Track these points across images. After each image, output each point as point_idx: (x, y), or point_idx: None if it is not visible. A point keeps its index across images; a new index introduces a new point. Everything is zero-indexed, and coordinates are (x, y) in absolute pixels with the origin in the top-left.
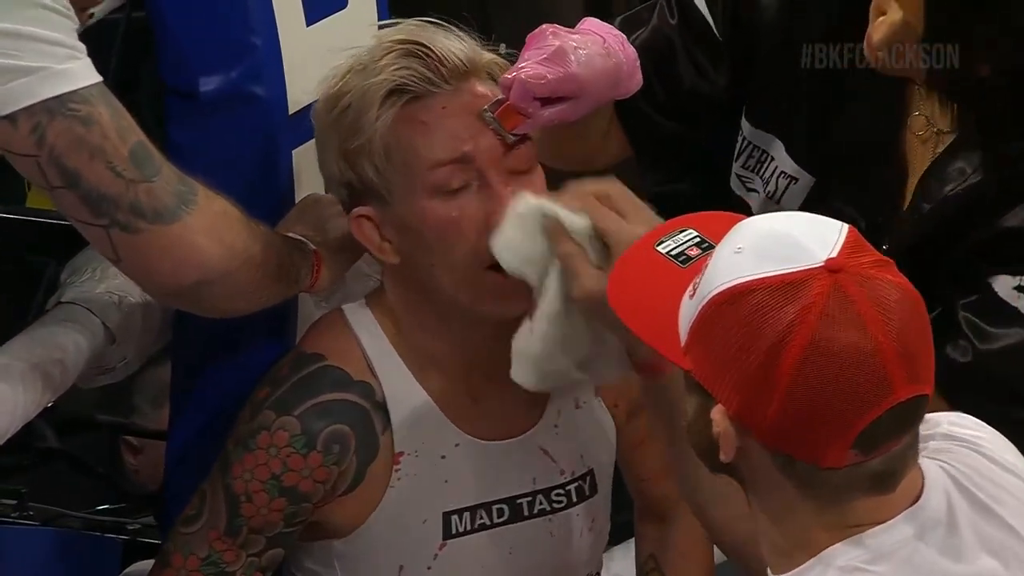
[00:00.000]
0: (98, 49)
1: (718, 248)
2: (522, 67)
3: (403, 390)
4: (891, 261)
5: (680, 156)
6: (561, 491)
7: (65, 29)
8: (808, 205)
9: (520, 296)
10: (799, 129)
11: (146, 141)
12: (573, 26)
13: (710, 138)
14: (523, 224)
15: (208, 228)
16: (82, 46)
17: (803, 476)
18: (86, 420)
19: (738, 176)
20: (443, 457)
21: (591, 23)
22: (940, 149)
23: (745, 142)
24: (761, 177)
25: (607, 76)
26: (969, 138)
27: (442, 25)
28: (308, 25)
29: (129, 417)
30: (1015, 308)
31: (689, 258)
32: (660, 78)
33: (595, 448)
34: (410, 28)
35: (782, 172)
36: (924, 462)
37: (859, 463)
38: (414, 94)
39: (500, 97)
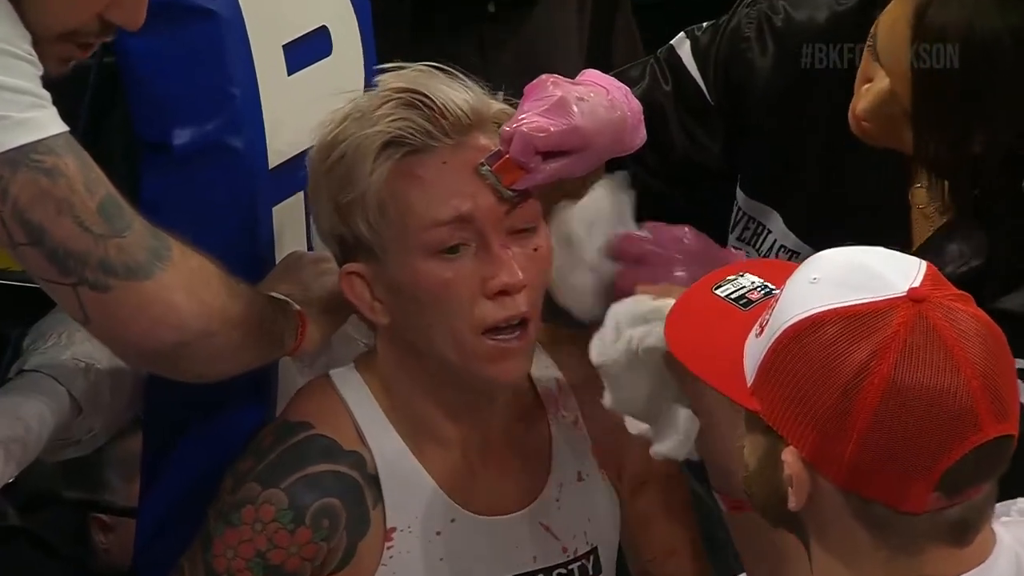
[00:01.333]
0: (66, 97)
1: (789, 281)
2: (522, 119)
3: (396, 461)
4: (970, 296)
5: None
6: (564, 570)
7: (28, 76)
8: None
9: (516, 360)
10: (799, 200)
11: (116, 194)
12: (571, 73)
13: (709, 202)
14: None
15: (184, 285)
16: (46, 94)
17: (879, 521)
18: (51, 496)
19: (733, 249)
20: (438, 533)
21: (592, 74)
22: (936, 225)
23: (740, 213)
24: (758, 251)
25: (612, 129)
26: (965, 215)
27: (447, 72)
28: (290, 74)
29: (99, 493)
30: None
31: (751, 301)
32: (652, 143)
33: (599, 524)
34: (412, 75)
35: (782, 246)
36: (997, 527)
37: (939, 509)
38: (412, 147)
39: (498, 149)
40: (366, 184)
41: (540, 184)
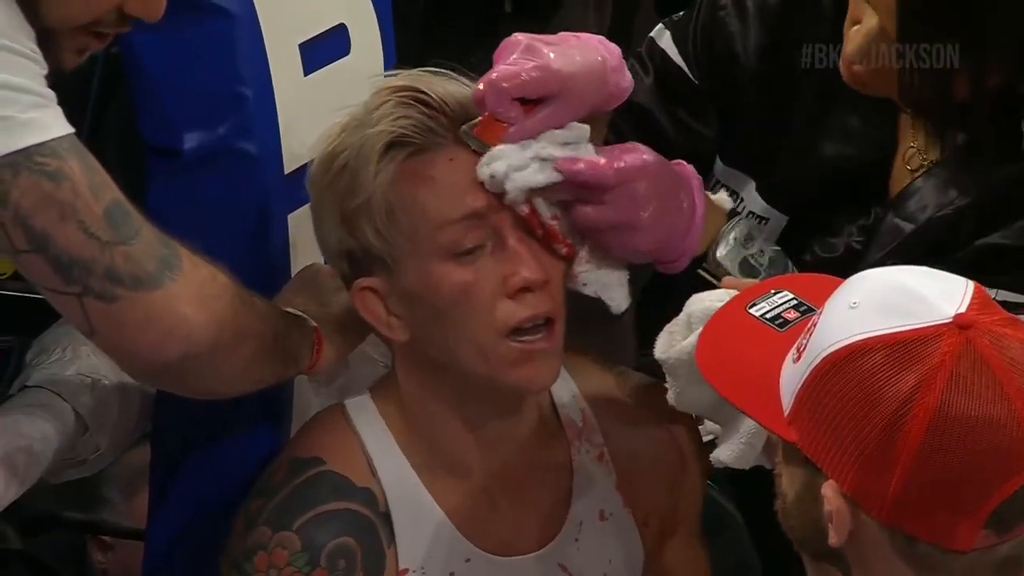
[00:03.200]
0: (70, 94)
1: (828, 304)
2: (492, 73)
3: (408, 497)
4: (1019, 320)
5: None
6: None
7: (31, 74)
8: (783, 245)
9: (544, 363)
10: (776, 164)
11: (123, 199)
12: None
13: None
14: None
15: (194, 296)
16: (51, 93)
17: (924, 560)
18: (51, 518)
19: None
20: (452, 574)
21: (563, 34)
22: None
23: (713, 182)
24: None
25: (590, 72)
26: (954, 160)
27: (444, 73)
28: (307, 74)
29: (97, 510)
30: None
31: (787, 321)
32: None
33: (620, 566)
34: (408, 75)
35: (750, 212)
36: None
37: (988, 547)
38: (416, 146)
39: (479, 118)
40: (372, 188)
41: (527, 137)
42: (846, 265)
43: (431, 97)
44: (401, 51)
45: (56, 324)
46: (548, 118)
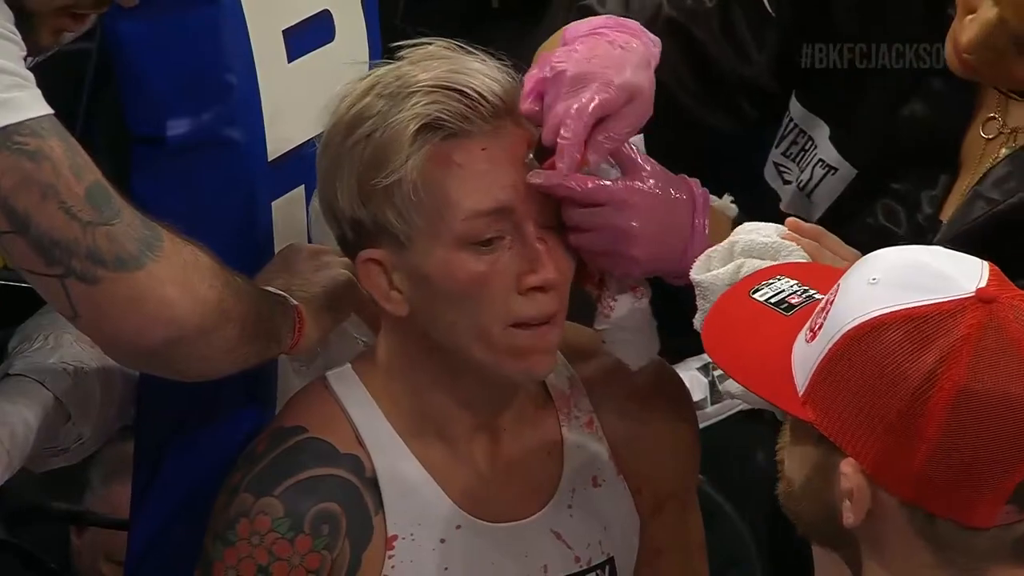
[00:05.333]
0: (64, 83)
1: (844, 282)
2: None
3: (396, 464)
4: None
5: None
6: None
7: (10, 55)
8: (845, 201)
9: (545, 354)
10: (854, 116)
11: (104, 181)
12: None
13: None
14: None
15: (177, 277)
16: (29, 74)
17: (944, 538)
18: (39, 509)
19: (776, 164)
20: (443, 541)
21: (572, 31)
22: (1004, 150)
23: (791, 125)
24: (799, 166)
25: (641, 63)
26: None
27: (471, 52)
28: (290, 60)
29: (80, 496)
30: None
31: (792, 306)
32: (687, 59)
33: (616, 533)
34: (443, 55)
35: (820, 160)
36: None
37: (1008, 524)
38: (450, 131)
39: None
40: (401, 171)
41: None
42: (909, 238)
43: (471, 86)
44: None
45: (38, 312)
46: (620, 131)
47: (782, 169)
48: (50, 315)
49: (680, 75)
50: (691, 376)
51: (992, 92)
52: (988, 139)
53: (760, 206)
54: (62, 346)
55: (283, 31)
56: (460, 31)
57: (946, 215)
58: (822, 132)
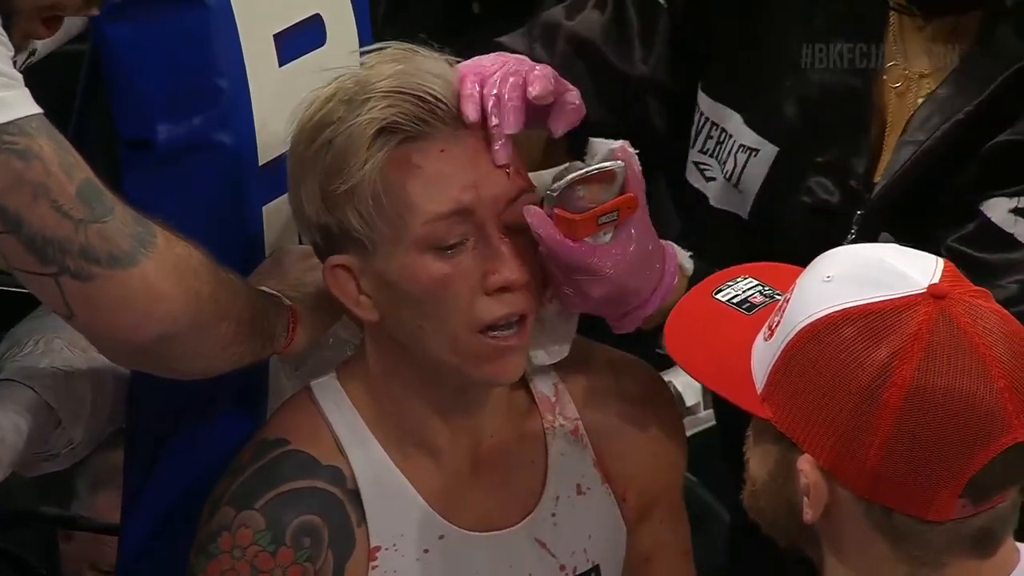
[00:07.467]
0: (57, 84)
1: (800, 280)
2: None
3: (378, 474)
4: (989, 292)
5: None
6: None
7: None
8: (772, 183)
9: (513, 358)
10: (760, 95)
11: (95, 178)
12: None
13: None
14: None
15: (171, 273)
16: (18, 74)
17: (901, 531)
18: (28, 514)
19: (696, 164)
20: (426, 551)
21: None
22: (919, 99)
23: (703, 121)
24: (719, 160)
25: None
26: (954, 77)
27: (430, 55)
28: (281, 64)
29: (68, 504)
30: (1010, 235)
31: (754, 305)
32: (593, 78)
33: (602, 541)
34: (398, 55)
35: (740, 145)
36: (1020, 545)
37: (964, 518)
38: (408, 134)
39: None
40: (359, 175)
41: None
42: (847, 204)
43: (426, 92)
44: None
45: (29, 317)
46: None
47: (703, 167)
48: (40, 320)
49: (586, 91)
50: (685, 381)
51: (889, 40)
52: (900, 92)
53: (691, 207)
54: (52, 351)
55: (274, 35)
56: (441, 35)
57: (879, 175)
58: (735, 121)
